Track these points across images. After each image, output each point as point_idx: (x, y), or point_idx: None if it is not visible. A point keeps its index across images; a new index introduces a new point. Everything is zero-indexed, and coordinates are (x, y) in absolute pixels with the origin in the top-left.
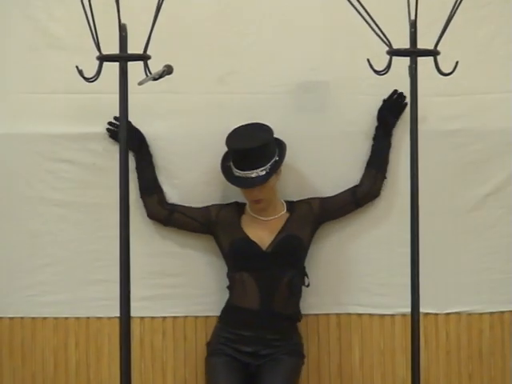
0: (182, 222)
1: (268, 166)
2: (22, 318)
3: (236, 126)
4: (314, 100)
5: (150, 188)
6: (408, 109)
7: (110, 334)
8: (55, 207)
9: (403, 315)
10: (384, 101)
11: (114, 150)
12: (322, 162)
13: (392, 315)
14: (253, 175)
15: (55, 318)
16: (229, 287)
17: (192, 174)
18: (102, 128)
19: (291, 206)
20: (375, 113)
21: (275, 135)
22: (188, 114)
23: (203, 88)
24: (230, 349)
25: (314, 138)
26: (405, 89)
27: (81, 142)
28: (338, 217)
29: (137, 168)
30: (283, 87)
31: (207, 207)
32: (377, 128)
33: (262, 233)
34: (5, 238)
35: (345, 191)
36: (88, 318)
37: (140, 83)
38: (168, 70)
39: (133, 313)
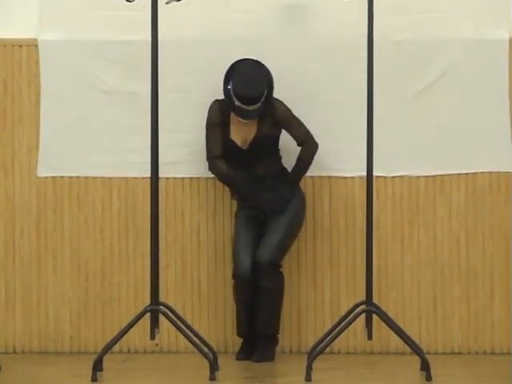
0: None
1: (261, 100)
2: (77, 177)
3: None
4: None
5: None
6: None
7: (143, 190)
8: (102, 93)
9: (361, 177)
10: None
11: (146, 54)
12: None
13: (352, 177)
14: (250, 108)
15: (102, 178)
16: None
17: None
18: (136, 37)
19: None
20: None
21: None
22: None
23: None
24: (247, 211)
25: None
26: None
27: (121, 47)
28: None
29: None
30: None
31: (215, 131)
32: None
33: (242, 133)
34: (63, 119)
35: (297, 136)
36: (127, 177)
37: (167, 3)
38: None
39: (160, 174)
